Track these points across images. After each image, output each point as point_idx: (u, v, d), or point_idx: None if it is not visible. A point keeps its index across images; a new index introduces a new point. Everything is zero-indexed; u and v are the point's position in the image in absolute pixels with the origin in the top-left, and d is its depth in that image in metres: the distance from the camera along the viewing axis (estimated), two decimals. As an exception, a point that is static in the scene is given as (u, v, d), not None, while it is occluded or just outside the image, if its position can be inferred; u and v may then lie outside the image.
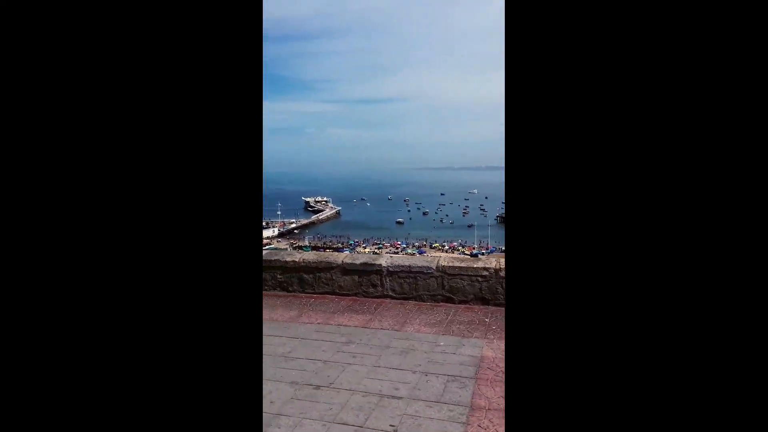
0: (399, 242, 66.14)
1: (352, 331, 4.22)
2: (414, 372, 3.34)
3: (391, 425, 2.67)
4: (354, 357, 3.62)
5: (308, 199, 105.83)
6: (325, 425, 2.68)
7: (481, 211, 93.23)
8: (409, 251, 56.81)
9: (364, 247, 61.69)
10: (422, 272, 5.00)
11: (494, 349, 3.73)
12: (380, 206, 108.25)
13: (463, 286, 4.90)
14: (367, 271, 5.20)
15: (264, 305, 5.00)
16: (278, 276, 5.49)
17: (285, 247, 58.62)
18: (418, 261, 5.12)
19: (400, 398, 2.97)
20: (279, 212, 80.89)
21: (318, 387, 3.14)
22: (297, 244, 63.26)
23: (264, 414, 2.80)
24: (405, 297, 5.07)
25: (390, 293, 5.12)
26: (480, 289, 4.86)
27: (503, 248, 57.67)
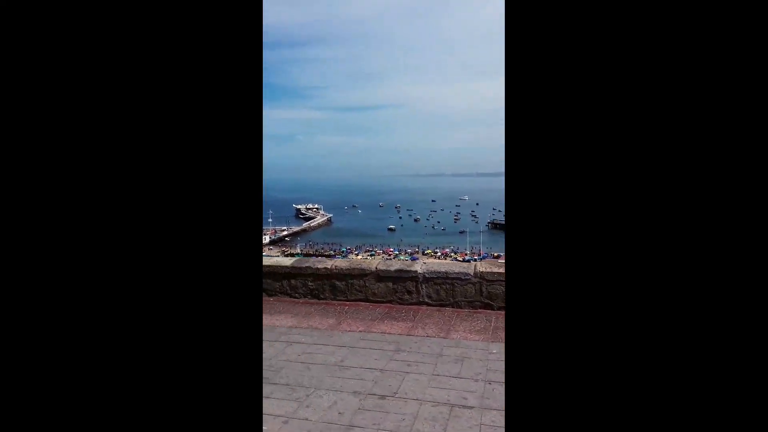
0: (391, 249, 66.03)
1: (397, 339, 4.14)
2: (476, 380, 3.27)
3: (472, 436, 2.60)
4: (409, 366, 3.54)
5: (299, 207, 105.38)
6: (404, 437, 2.60)
7: (473, 218, 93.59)
8: (402, 258, 56.77)
9: (357, 254, 61.49)
10: (460, 278, 4.94)
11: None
12: (372, 213, 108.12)
13: (502, 292, 4.85)
14: (402, 277, 5.13)
15: (298, 313, 4.92)
16: (309, 283, 5.40)
17: (276, 254, 58.23)
18: (455, 267, 5.06)
19: (471, 408, 2.89)
20: (270, 219, 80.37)
21: (383, 397, 3.05)
22: (288, 252, 62.86)
23: (335, 425, 2.72)
24: (442, 304, 5.01)
25: (426, 300, 5.06)
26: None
27: (495, 254, 57.96)
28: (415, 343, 4.02)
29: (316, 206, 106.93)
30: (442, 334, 4.23)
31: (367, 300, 5.22)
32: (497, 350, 3.82)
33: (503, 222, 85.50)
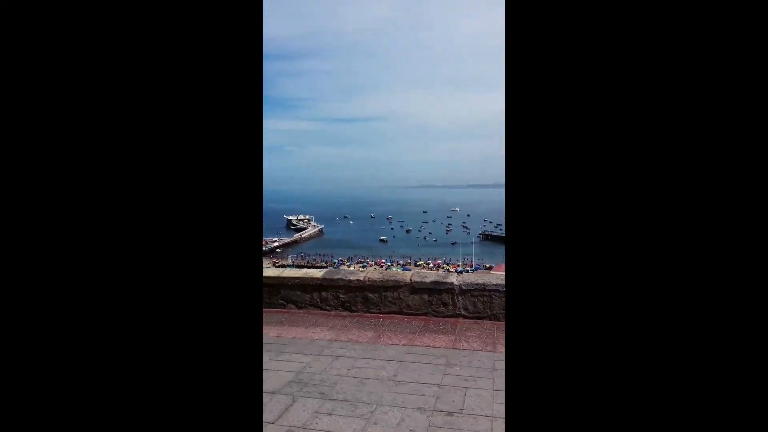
0: (383, 260, 65.89)
1: (444, 352, 4.06)
2: (540, 395, 3.20)
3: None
4: (467, 380, 3.46)
5: (290, 218, 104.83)
6: (486, 455, 2.51)
7: (464, 229, 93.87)
8: (394, 269, 56.64)
9: (349, 265, 61.22)
10: (498, 290, 4.88)
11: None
12: (363, 224, 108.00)
13: (541, 304, 4.79)
14: (438, 289, 5.05)
15: (333, 326, 4.82)
16: (341, 295, 5.30)
17: (268, 265, 57.70)
18: (491, 279, 5.01)
19: (545, 424, 2.82)
20: (261, 230, 79.72)
21: (450, 413, 2.96)
22: (280, 263, 62.38)
23: (409, 444, 2.62)
24: (479, 316, 4.94)
25: (462, 312, 4.98)
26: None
27: (487, 266, 58.05)
28: (465, 357, 3.94)
29: (307, 217, 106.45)
30: (488, 348, 4.16)
31: (401, 312, 5.14)
32: (551, 364, 3.76)
33: (494, 233, 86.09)
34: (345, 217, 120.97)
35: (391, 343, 4.33)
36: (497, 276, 5.11)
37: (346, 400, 3.16)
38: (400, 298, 5.15)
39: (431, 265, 62.65)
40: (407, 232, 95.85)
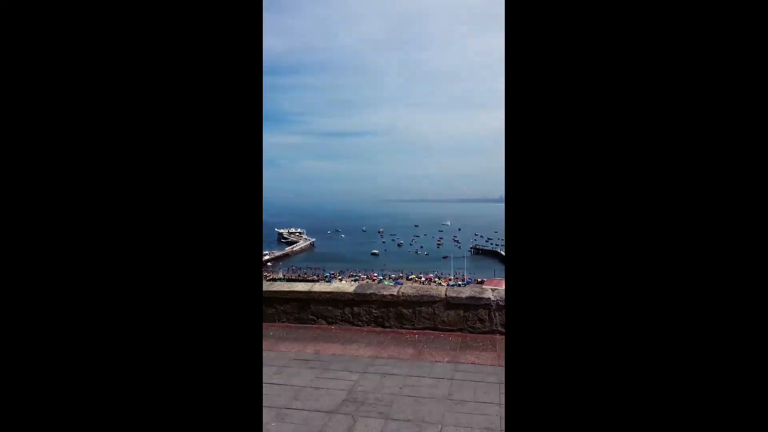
0: (375, 274, 65.62)
1: (493, 370, 3.98)
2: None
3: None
4: (525, 399, 3.38)
5: (282, 231, 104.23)
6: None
7: (455, 243, 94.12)
8: (386, 282, 56.38)
9: (341, 279, 60.83)
10: (536, 306, 4.83)
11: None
12: (355, 238, 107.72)
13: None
14: (474, 305, 4.99)
15: (370, 342, 4.73)
16: (374, 311, 5.21)
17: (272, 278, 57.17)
18: (529, 294, 4.96)
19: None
20: (252, 243, 79.06)
21: (521, 434, 2.89)
22: (271, 277, 61.81)
23: (487, 466, 2.54)
24: (516, 332, 4.87)
25: (500, 329, 4.92)
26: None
27: (479, 279, 58.10)
28: (515, 374, 3.87)
29: (298, 230, 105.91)
30: (536, 365, 4.09)
31: (435, 328, 5.06)
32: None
33: (485, 247, 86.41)
34: (336, 230, 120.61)
35: (434, 360, 4.24)
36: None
37: (409, 420, 3.07)
38: (435, 314, 5.07)
39: (423, 279, 62.48)
40: (399, 245, 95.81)
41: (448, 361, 4.20)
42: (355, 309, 5.27)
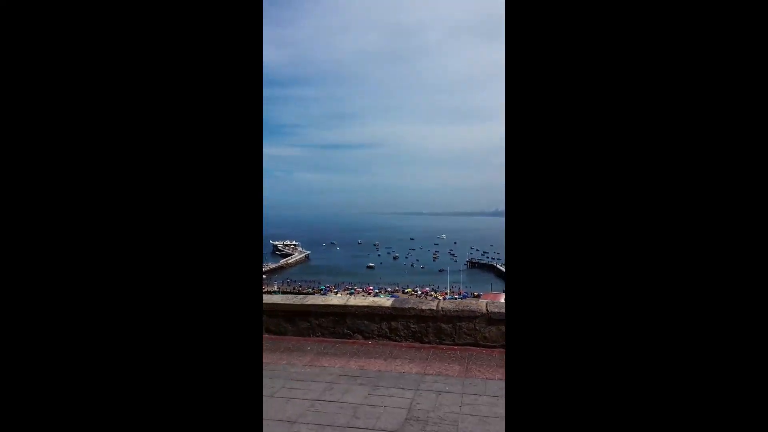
0: (371, 287, 65.32)
1: (548, 387, 3.89)
2: None
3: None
4: (593, 418, 3.29)
5: (276, 243, 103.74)
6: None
7: (451, 256, 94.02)
8: (382, 296, 56.10)
9: (336, 292, 60.46)
10: (580, 322, 4.75)
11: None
12: (350, 250, 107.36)
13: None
14: (516, 320, 4.90)
15: (413, 358, 4.63)
16: (412, 326, 5.11)
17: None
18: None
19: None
20: (248, 255, 78.53)
21: (601, 456, 2.79)
22: (266, 290, 61.33)
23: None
24: (560, 349, 4.79)
25: (543, 344, 4.83)
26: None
27: (475, 293, 57.95)
28: (573, 392, 3.78)
29: (293, 243, 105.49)
30: (591, 383, 4.00)
31: (476, 344, 4.96)
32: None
33: (481, 261, 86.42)
34: (332, 243, 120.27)
35: (485, 377, 4.14)
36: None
37: (480, 441, 2.96)
38: (476, 329, 4.98)
39: (419, 292, 62.28)
40: (394, 258, 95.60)
41: (499, 378, 4.10)
42: (393, 323, 5.16)
